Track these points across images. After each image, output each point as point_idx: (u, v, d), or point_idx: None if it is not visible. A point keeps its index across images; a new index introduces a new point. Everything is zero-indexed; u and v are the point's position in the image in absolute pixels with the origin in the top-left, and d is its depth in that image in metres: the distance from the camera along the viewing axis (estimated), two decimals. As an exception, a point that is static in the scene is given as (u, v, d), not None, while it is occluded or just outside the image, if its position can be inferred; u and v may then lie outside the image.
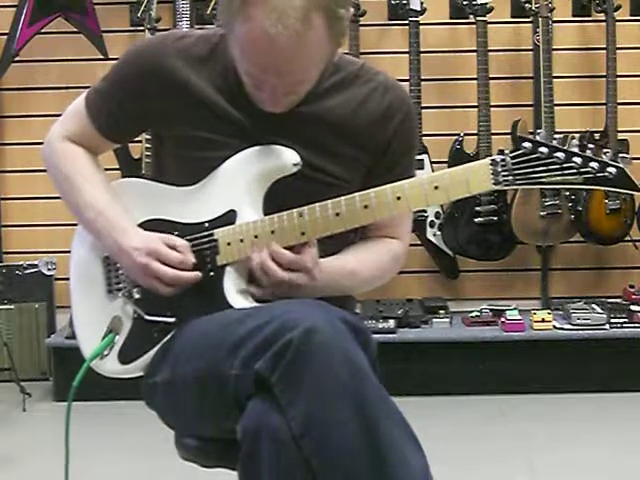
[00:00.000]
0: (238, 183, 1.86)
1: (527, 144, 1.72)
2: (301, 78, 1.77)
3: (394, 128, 1.93)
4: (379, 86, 1.93)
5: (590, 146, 1.71)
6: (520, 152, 1.73)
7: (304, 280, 1.80)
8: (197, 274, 1.85)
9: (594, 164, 1.70)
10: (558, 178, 1.72)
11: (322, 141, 1.89)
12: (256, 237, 1.82)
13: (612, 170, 1.70)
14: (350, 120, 1.91)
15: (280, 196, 1.85)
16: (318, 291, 1.83)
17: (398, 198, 1.79)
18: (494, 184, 1.75)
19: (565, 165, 1.71)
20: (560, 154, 1.71)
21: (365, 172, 1.93)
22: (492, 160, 1.75)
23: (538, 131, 1.75)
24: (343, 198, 1.80)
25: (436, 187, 1.78)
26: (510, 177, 1.74)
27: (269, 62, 1.70)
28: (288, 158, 1.84)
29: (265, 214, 1.85)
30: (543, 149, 1.72)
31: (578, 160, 1.71)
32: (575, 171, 1.71)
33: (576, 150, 1.71)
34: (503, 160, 1.74)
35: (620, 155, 1.72)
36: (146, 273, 1.85)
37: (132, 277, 1.90)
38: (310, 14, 1.66)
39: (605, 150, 1.72)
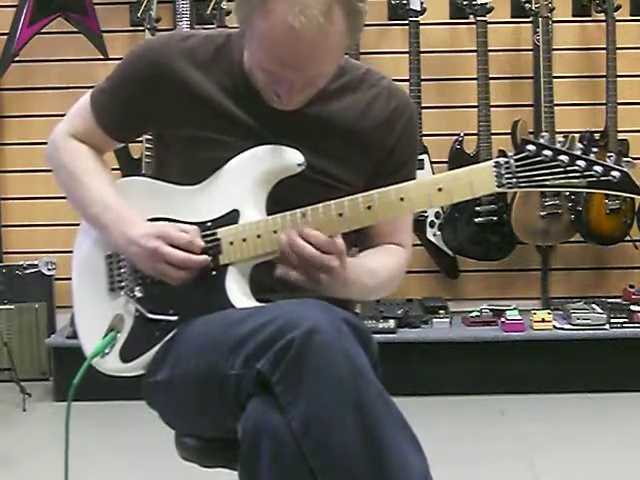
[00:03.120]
0: (242, 183, 1.86)
1: (531, 147, 1.71)
2: (320, 72, 1.76)
3: (398, 133, 1.93)
4: (384, 91, 1.94)
5: (594, 149, 1.71)
6: (524, 155, 1.72)
7: (336, 263, 1.77)
8: (206, 258, 1.84)
9: (598, 168, 1.70)
10: (562, 181, 1.71)
11: (326, 143, 1.89)
12: (259, 237, 1.82)
13: (616, 174, 1.69)
14: (355, 124, 1.91)
15: (283, 197, 1.84)
16: (347, 285, 1.81)
17: (402, 199, 1.79)
18: (498, 187, 1.74)
19: (569, 168, 1.70)
20: (564, 157, 1.70)
21: (368, 176, 1.93)
22: (496, 162, 1.74)
23: (542, 134, 1.74)
24: (346, 199, 1.80)
25: (440, 189, 1.77)
26: (514, 180, 1.73)
27: (291, 56, 1.69)
28: (292, 158, 1.84)
29: (268, 214, 1.84)
30: (547, 152, 1.71)
31: (582, 163, 1.70)
32: (579, 174, 1.70)
33: (580, 153, 1.70)
34: (507, 163, 1.73)
35: (624, 159, 1.71)
36: (156, 258, 1.83)
37: (141, 267, 1.88)
38: (332, 7, 1.65)
39: (609, 154, 1.72)
